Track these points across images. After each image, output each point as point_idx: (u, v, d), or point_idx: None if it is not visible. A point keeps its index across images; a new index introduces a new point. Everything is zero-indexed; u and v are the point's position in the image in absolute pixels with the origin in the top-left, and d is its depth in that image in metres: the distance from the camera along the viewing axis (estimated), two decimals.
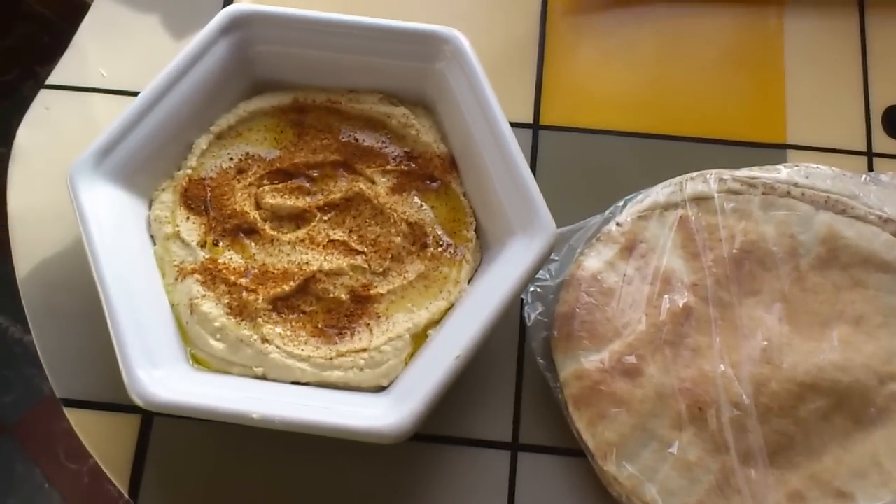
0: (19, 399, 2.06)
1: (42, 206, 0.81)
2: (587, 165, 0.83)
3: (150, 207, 0.77)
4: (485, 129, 0.73)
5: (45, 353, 0.76)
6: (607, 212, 0.79)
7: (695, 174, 0.80)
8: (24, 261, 0.79)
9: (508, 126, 0.73)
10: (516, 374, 0.76)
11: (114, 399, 0.75)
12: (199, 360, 0.71)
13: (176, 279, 0.73)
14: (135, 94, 0.83)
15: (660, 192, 0.79)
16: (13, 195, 0.82)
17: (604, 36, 0.89)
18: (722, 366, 0.71)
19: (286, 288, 0.72)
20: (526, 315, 0.77)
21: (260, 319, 0.71)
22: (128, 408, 0.70)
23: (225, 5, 0.92)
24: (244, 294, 0.72)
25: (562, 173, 0.84)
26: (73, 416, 0.74)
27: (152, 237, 0.76)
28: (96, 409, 0.75)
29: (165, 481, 0.73)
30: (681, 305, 0.73)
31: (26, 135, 0.84)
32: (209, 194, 0.76)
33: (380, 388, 0.71)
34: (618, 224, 0.78)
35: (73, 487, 1.94)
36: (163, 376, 0.65)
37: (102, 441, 0.74)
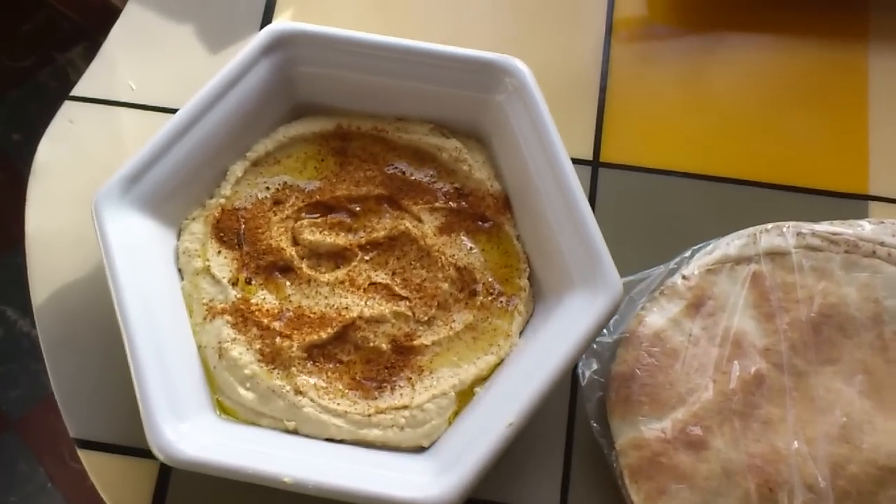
0: (25, 394, 2.03)
1: (62, 227, 0.77)
2: (650, 209, 0.78)
3: (178, 237, 0.72)
4: (545, 168, 0.69)
5: (59, 389, 0.72)
6: (672, 262, 0.74)
7: (770, 226, 0.75)
8: (42, 286, 0.75)
9: (572, 168, 0.68)
10: (566, 437, 0.71)
11: (131, 443, 0.71)
12: (226, 409, 0.67)
13: (204, 319, 0.69)
14: (165, 110, 0.79)
15: (731, 244, 0.74)
16: (32, 215, 0.78)
17: (671, 66, 0.84)
18: (796, 442, 0.66)
19: (323, 335, 0.68)
20: (580, 373, 0.72)
21: (294, 368, 0.67)
22: (146, 452, 0.65)
23: (264, 18, 0.87)
24: (277, 340, 0.67)
25: (622, 216, 0.79)
26: (87, 459, 0.70)
27: (180, 271, 0.72)
28: (112, 453, 0.71)
29: None
30: (752, 372, 0.68)
31: (48, 149, 0.80)
32: (243, 227, 0.72)
33: (420, 449, 0.65)
34: (684, 277, 0.73)
35: (76, 488, 1.91)
36: (188, 430, 0.61)
37: (118, 487, 0.70)
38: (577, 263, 0.66)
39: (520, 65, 0.71)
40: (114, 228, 0.66)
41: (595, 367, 0.72)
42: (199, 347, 0.68)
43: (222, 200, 0.72)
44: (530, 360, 0.65)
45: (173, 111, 0.75)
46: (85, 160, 0.80)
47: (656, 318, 0.72)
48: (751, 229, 0.75)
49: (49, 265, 0.76)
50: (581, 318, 0.64)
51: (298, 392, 0.66)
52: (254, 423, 0.66)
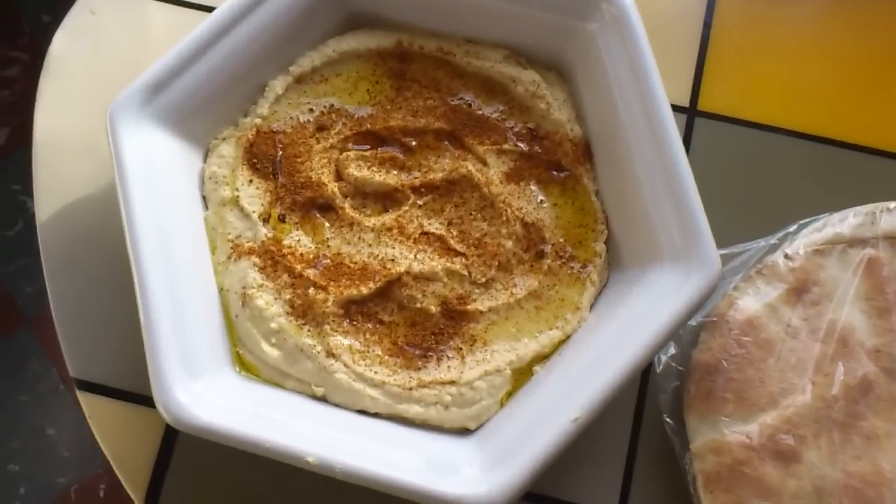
0: (42, 291, 1.98)
1: (74, 134, 0.69)
2: (752, 171, 0.68)
3: (205, 160, 0.64)
4: (639, 115, 0.59)
5: (60, 320, 0.65)
6: (774, 237, 0.65)
7: (893, 204, 0.64)
8: (47, 200, 0.67)
9: (672, 118, 0.58)
10: (632, 430, 0.63)
11: (137, 389, 0.64)
12: (247, 365, 0.60)
13: (229, 258, 0.61)
14: (200, 7, 0.69)
15: (844, 222, 0.64)
16: (42, 116, 0.70)
17: (790, 3, 0.71)
18: None
19: (364, 290, 0.60)
20: (654, 357, 0.62)
21: (327, 326, 0.59)
22: (153, 402, 0.57)
23: None
24: (311, 291, 0.59)
25: (717, 177, 0.70)
26: (87, 403, 0.63)
27: (205, 199, 0.63)
28: (115, 398, 0.64)
29: (189, 498, 0.61)
30: (858, 377, 0.59)
31: (64, 43, 0.71)
32: (280, 153, 0.63)
33: (465, 431, 0.58)
34: (787, 256, 0.63)
35: None
36: (202, 390, 0.54)
37: (119, 438, 0.63)
38: (669, 232, 0.57)
39: None
40: (131, 144, 0.57)
41: (673, 351, 0.64)
42: (221, 291, 0.60)
43: (258, 121, 0.63)
44: (603, 344, 0.57)
45: (209, 10, 0.65)
46: (104, 59, 0.70)
47: (750, 301, 0.64)
48: (870, 206, 0.65)
49: (57, 176, 0.67)
50: (669, 300, 0.55)
51: (331, 354, 0.58)
52: (277, 385, 0.59)
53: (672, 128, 0.57)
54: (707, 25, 0.71)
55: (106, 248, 0.65)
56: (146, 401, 0.63)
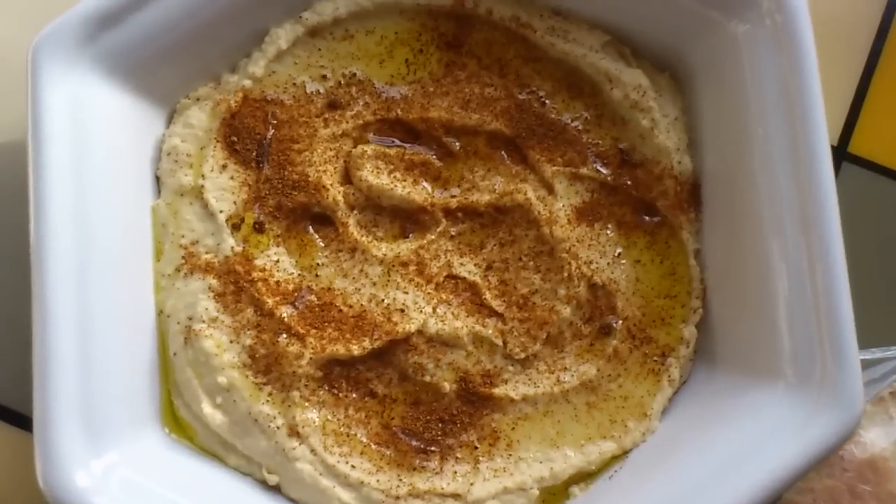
0: None
1: None
2: None
3: (167, 125, 0.50)
4: (784, 157, 0.46)
5: None
6: None
7: None
8: None
9: (831, 173, 0.45)
10: None
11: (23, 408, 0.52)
12: (180, 423, 0.47)
13: (178, 270, 0.48)
14: None
15: None
16: None
17: None
18: None
19: (355, 348, 0.47)
20: None
21: (297, 392, 0.46)
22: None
23: None
24: (282, 339, 0.46)
25: (863, 244, 0.56)
26: None
27: (158, 181, 0.49)
28: None
29: None
30: None
31: None
32: (271, 133, 0.49)
33: None
34: None
35: None
36: (109, 467, 0.42)
37: None
38: (801, 339, 0.45)
39: None
40: (57, 96, 0.45)
41: None
42: (159, 314, 0.48)
43: (247, 82, 0.50)
44: (680, 485, 0.44)
45: None
46: None
47: (878, 435, 0.51)
48: None
49: None
50: (784, 440, 0.44)
51: (295, 433, 0.46)
52: (217, 458, 0.47)
53: (830, 186, 0.45)
54: (876, 53, 0.56)
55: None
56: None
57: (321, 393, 0.46)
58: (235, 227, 0.48)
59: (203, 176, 0.48)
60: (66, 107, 0.45)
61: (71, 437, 0.41)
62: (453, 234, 0.50)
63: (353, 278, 0.48)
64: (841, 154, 0.57)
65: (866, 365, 0.53)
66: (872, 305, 0.55)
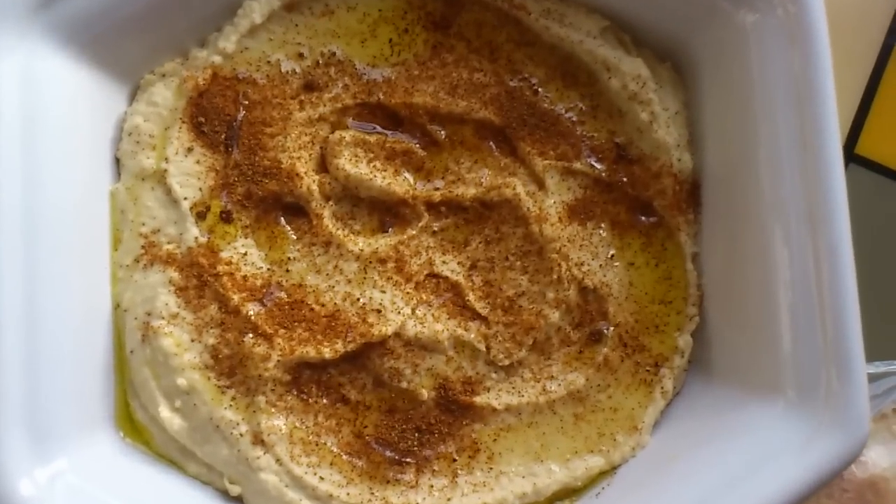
0: None
1: None
2: None
3: (130, 102, 0.47)
4: (792, 157, 0.44)
5: None
6: None
7: None
8: None
9: (842, 175, 0.43)
10: None
11: None
12: (136, 426, 0.45)
13: (137, 261, 0.45)
14: None
15: None
16: None
17: None
18: None
19: (327, 350, 0.44)
20: None
21: (262, 397, 0.44)
22: None
23: None
24: (248, 339, 0.44)
25: (871, 251, 0.54)
26: None
27: (118, 163, 0.47)
28: None
29: None
30: None
31: None
32: (242, 115, 0.47)
33: None
34: None
35: None
36: (56, 474, 0.40)
37: None
38: (804, 352, 0.43)
39: None
40: (5, 67, 0.42)
41: None
42: (116, 308, 0.45)
43: (217, 58, 0.47)
44: (672, 502, 0.42)
45: None
46: None
47: (880, 454, 0.51)
48: None
49: None
50: (783, 462, 0.43)
51: (259, 441, 0.44)
52: (174, 465, 0.45)
53: (840, 189, 0.43)
54: (889, 47, 0.54)
55: None
56: None
57: (289, 398, 0.44)
58: (200, 216, 0.45)
59: (167, 159, 0.45)
60: (16, 80, 0.42)
61: (14, 441, 0.39)
62: (436, 229, 0.47)
63: (327, 275, 0.45)
64: (848, 155, 0.55)
65: (869, 380, 0.51)
66: (876, 315, 0.53)
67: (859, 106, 0.57)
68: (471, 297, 0.46)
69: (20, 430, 0.39)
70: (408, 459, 0.44)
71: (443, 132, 0.48)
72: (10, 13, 0.40)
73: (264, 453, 0.43)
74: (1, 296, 0.39)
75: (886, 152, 0.56)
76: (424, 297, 0.46)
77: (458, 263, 0.47)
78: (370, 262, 0.46)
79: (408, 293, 0.46)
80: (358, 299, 0.45)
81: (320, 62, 0.48)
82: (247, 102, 0.47)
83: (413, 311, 0.45)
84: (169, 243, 0.44)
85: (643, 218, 0.49)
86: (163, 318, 0.43)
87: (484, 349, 0.46)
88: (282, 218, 0.47)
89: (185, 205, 0.45)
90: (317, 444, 0.44)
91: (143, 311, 0.43)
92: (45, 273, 0.41)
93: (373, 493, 0.43)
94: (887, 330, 0.53)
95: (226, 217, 0.45)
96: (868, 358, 0.53)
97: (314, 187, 0.46)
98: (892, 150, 0.56)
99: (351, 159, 0.46)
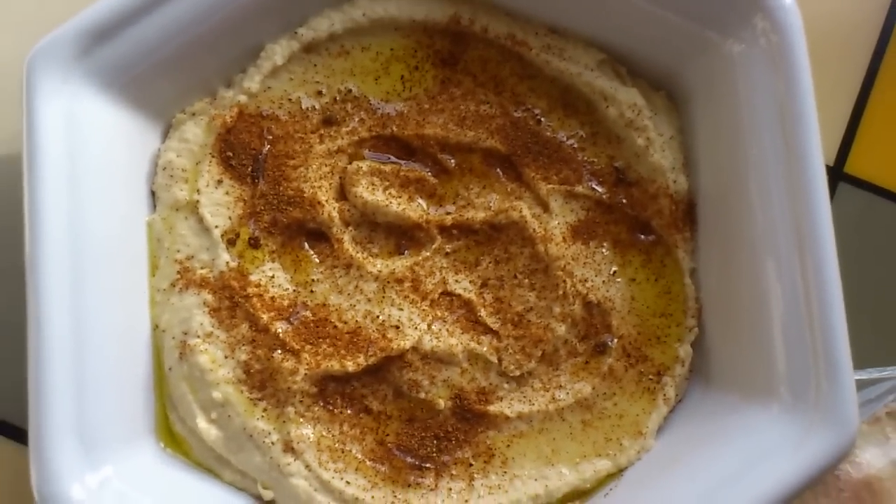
0: None
1: None
2: None
3: (163, 139, 0.51)
4: (779, 177, 0.47)
5: None
6: None
7: None
8: None
9: (826, 193, 0.46)
10: None
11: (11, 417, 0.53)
12: (175, 438, 0.48)
13: (173, 285, 0.49)
14: None
15: None
16: None
17: None
18: None
19: (350, 364, 0.48)
20: None
21: (292, 408, 0.47)
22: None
23: None
24: (277, 354, 0.47)
25: (860, 266, 0.57)
26: None
27: (154, 196, 0.50)
28: None
29: None
30: None
31: None
32: (267, 149, 0.51)
33: None
34: None
35: None
36: (104, 481, 0.43)
37: None
38: (796, 358, 0.46)
39: (787, 2, 0.45)
40: (52, 109, 0.45)
41: None
42: (154, 329, 0.49)
43: (243, 98, 0.51)
44: (675, 500, 0.45)
45: None
46: None
47: (875, 455, 0.53)
48: None
49: None
50: (777, 461, 0.44)
51: (290, 449, 0.47)
52: (211, 472, 0.48)
53: (825, 207, 0.46)
54: (875, 64, 0.58)
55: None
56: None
57: (316, 409, 0.47)
58: (230, 243, 0.49)
59: (198, 191, 0.49)
60: (61, 121, 0.45)
61: (66, 450, 0.42)
62: (448, 251, 0.51)
63: (348, 294, 0.49)
64: (837, 174, 0.58)
65: (862, 385, 0.54)
66: (868, 326, 0.56)
67: (847, 126, 0.58)
68: (482, 312, 0.50)
69: (72, 441, 0.42)
70: (427, 465, 0.48)
71: (453, 161, 0.52)
72: (57, 60, 0.44)
73: (294, 460, 0.46)
74: (52, 320, 0.42)
75: (875, 171, 0.58)
76: (439, 314, 0.49)
77: (470, 282, 0.50)
78: (388, 282, 0.49)
79: (424, 310, 0.49)
80: (377, 317, 0.48)
81: (338, 98, 0.51)
82: (271, 137, 0.50)
83: (429, 326, 0.49)
84: (202, 268, 0.48)
85: (642, 236, 0.52)
86: (198, 337, 0.47)
87: (496, 361, 0.49)
88: (305, 243, 0.50)
89: (217, 233, 0.48)
90: (343, 451, 0.47)
91: (179, 331, 0.47)
92: (90, 299, 0.44)
93: (396, 496, 0.46)
94: (878, 339, 0.56)
95: (254, 243, 0.49)
96: (863, 365, 0.56)
97: (335, 214, 0.50)
98: (881, 169, 0.58)
99: (368, 187, 0.50)
